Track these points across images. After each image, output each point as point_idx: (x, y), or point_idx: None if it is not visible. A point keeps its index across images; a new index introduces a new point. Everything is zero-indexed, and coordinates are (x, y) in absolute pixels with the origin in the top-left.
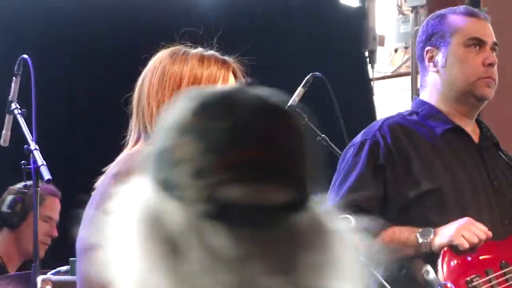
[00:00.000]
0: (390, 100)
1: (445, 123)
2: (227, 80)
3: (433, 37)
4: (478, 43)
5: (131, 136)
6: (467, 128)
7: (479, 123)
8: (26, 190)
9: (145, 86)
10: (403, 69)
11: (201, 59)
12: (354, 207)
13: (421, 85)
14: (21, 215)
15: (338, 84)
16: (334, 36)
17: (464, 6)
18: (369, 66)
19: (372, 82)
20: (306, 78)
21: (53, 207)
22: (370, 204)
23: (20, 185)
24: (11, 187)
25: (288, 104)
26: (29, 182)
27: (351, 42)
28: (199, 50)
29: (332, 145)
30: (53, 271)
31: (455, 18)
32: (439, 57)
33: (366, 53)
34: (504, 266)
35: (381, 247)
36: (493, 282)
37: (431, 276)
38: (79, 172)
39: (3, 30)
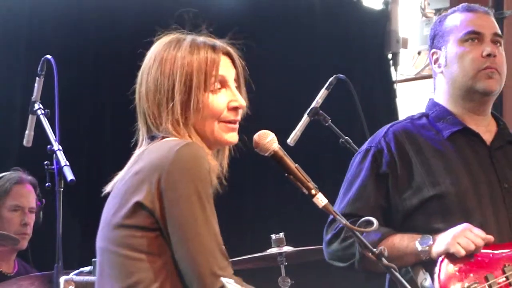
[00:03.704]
0: (413, 102)
1: (453, 125)
2: (218, 65)
3: (435, 39)
4: (475, 36)
5: (140, 136)
6: (478, 128)
7: (497, 119)
8: None
9: (143, 87)
10: (426, 72)
11: (191, 50)
12: (357, 216)
13: (434, 88)
14: None
15: (361, 87)
16: (357, 39)
17: (463, 4)
18: (392, 68)
19: (395, 84)
20: (329, 80)
21: (20, 195)
22: (372, 213)
23: None
24: None
25: (312, 106)
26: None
27: (374, 44)
28: (190, 38)
29: (355, 147)
30: (76, 271)
31: (452, 16)
32: (441, 58)
33: (390, 56)
34: (508, 269)
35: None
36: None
37: (427, 284)
38: (103, 172)
39: (26, 31)
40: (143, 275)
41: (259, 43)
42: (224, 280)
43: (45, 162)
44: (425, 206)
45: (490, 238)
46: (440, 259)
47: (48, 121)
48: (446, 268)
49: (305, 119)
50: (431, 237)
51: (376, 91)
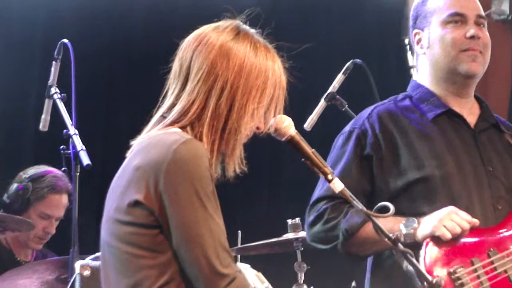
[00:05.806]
0: None
1: (437, 107)
2: (284, 92)
3: (418, 20)
4: (459, 18)
5: (164, 103)
6: (462, 110)
7: (480, 102)
8: (30, 184)
9: (196, 63)
10: None
11: (268, 54)
12: (339, 198)
13: (416, 69)
14: (20, 206)
15: (378, 71)
16: (374, 24)
17: None
18: (409, 53)
19: (412, 69)
20: (346, 65)
21: (53, 205)
22: (355, 195)
23: (32, 170)
24: (22, 172)
25: (328, 91)
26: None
27: (391, 29)
28: (264, 45)
29: None
30: (92, 256)
31: None
32: (424, 39)
33: (406, 41)
34: (493, 254)
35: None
36: (479, 272)
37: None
38: (119, 157)
39: (44, 15)
40: (149, 272)
41: (276, 30)
42: (240, 265)
43: (61, 147)
44: (410, 189)
45: (476, 221)
46: (425, 242)
47: (65, 105)
48: (431, 251)
49: (322, 104)
50: (416, 219)
51: (393, 76)
